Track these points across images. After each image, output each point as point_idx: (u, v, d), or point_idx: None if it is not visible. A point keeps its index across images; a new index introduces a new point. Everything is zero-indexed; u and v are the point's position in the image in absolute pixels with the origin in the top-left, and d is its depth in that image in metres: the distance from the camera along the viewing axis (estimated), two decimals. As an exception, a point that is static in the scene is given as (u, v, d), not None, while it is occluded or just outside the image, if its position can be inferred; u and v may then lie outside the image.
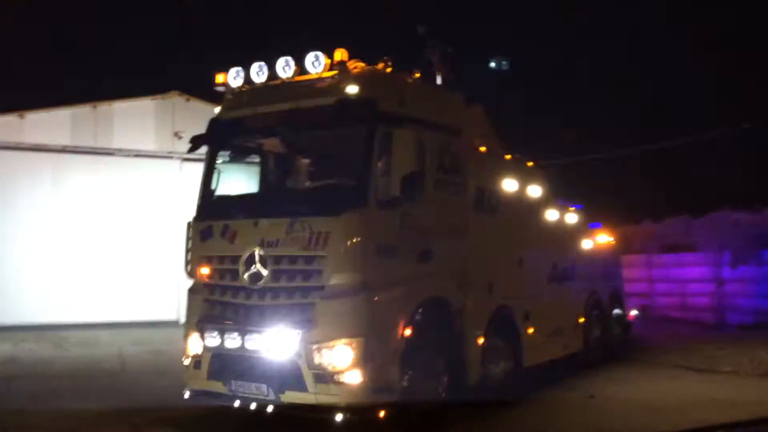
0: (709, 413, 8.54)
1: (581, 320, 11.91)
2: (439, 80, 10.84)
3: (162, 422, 8.17)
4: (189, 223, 8.08)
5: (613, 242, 14.09)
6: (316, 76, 7.53)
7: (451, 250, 8.28)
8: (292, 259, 7.18)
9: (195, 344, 7.75)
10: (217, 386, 7.60)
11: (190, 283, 8.10)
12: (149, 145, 18.66)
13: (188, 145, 8.30)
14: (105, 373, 11.48)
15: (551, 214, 10.97)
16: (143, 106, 18.99)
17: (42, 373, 11.49)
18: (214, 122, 8.23)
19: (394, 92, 7.57)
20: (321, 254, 7.04)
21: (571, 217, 11.92)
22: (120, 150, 18.39)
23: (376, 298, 7.06)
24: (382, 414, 7.01)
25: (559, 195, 12.92)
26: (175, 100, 19.05)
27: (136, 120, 18.78)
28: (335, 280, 7.03)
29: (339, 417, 6.84)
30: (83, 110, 18.40)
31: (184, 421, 8.17)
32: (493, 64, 18.34)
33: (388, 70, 7.70)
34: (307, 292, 7.13)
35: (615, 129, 27.98)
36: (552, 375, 10.78)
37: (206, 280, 7.84)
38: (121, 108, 18.65)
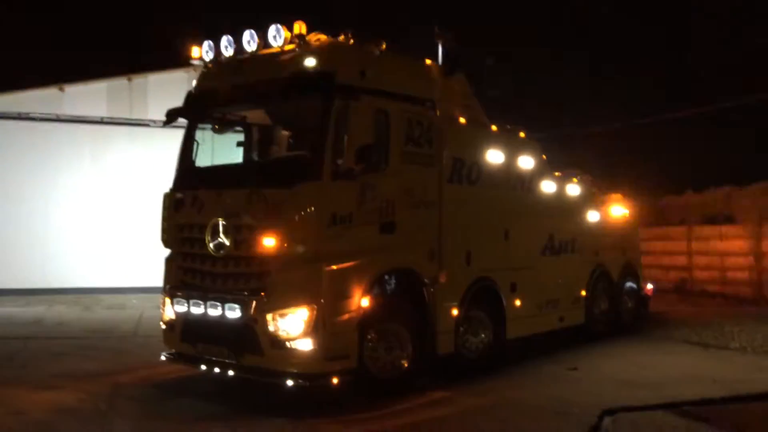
0: (683, 389, 8.41)
1: (583, 293, 11.75)
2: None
3: (144, 381, 8.62)
4: (165, 194, 8.42)
5: (629, 214, 13.73)
6: (278, 50, 7.66)
7: (421, 221, 8.35)
8: (251, 229, 7.41)
9: (168, 309, 8.14)
10: (188, 348, 8.01)
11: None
12: (183, 116, 19.17)
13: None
14: (118, 335, 12.12)
15: (547, 186, 10.81)
16: (177, 78, 19.43)
17: (61, 333, 12.23)
18: (189, 96, 8.50)
19: (354, 64, 7.60)
20: (276, 224, 7.23)
21: (574, 189, 11.70)
22: (154, 121, 18.93)
23: (328, 268, 7.21)
24: (335, 381, 7.22)
25: (566, 166, 12.76)
26: (208, 72, 19.45)
27: (170, 91, 19.20)
28: (290, 249, 7.23)
29: (290, 382, 7.08)
30: (119, 82, 19.08)
31: (167, 382, 8.60)
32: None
33: (350, 42, 7.74)
34: (264, 261, 7.36)
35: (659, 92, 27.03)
36: (543, 347, 10.79)
37: (178, 248, 8.18)
38: (156, 80, 19.21)
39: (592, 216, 12.20)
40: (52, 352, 10.36)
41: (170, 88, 19.39)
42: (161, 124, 18.78)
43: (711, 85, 26.08)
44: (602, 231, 12.47)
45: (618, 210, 13.35)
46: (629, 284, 13.35)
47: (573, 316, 11.49)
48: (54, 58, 26.16)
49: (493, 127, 9.91)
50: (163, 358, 8.34)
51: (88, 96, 18.89)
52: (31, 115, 18.39)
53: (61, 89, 18.74)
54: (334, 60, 7.49)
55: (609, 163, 21.89)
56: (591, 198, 12.31)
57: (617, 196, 14.12)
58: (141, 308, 15.05)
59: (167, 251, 8.46)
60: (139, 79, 19.18)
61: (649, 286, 14.20)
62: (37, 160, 18.14)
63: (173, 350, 8.30)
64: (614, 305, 12.71)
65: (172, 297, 8.03)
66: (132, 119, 18.84)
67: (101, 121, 18.78)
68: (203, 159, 8.57)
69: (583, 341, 11.61)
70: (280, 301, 7.16)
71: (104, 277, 18.05)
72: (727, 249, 19.72)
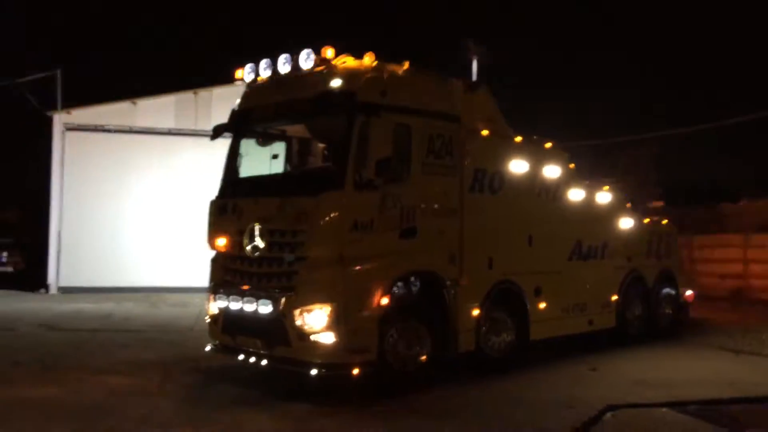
0: (695, 391, 8.73)
1: (614, 298, 12.08)
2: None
3: (194, 370, 9.57)
4: (211, 201, 9.35)
5: (666, 222, 13.94)
6: (309, 71, 8.48)
7: (442, 227, 8.98)
8: (282, 233, 8.23)
9: (212, 305, 9.06)
10: (228, 340, 8.90)
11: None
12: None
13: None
14: (177, 330, 13.22)
15: (574, 194, 11.24)
16: (239, 91, 20.68)
17: (126, 327, 13.44)
18: (233, 113, 9.43)
19: (375, 84, 8.31)
20: (303, 229, 8.03)
21: (604, 196, 12.06)
22: (218, 132, 20.23)
23: (350, 269, 7.95)
24: (355, 372, 7.94)
25: (599, 174, 13.14)
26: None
27: (232, 103, 20.50)
28: (315, 252, 8.02)
29: (314, 371, 7.85)
30: (186, 96, 20.49)
31: (212, 370, 9.53)
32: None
33: (374, 63, 8.47)
34: (292, 262, 8.17)
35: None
36: (572, 348, 11.20)
37: (221, 250, 9.09)
38: (219, 93, 20.49)
39: (625, 223, 12.51)
40: (116, 343, 11.50)
41: (232, 100, 20.69)
42: (228, 135, 20.29)
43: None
44: (635, 237, 12.75)
45: (653, 216, 13.60)
46: (666, 290, 13.53)
47: (603, 320, 11.83)
48: (128, 75, 28.04)
49: (518, 139, 10.43)
50: (207, 348, 9.25)
51: (158, 109, 20.38)
52: (106, 127, 20.01)
53: (134, 103, 20.27)
54: (356, 81, 8.24)
55: (664, 170, 21.93)
56: (622, 205, 12.62)
57: (658, 203, 14.38)
58: (201, 306, 16.13)
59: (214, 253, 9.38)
60: (204, 93, 20.53)
61: (689, 293, 14.33)
62: (111, 168, 19.69)
63: (216, 342, 9.20)
64: (649, 310, 12.94)
65: (215, 294, 8.94)
66: (197, 130, 20.15)
67: (169, 132, 20.22)
68: (244, 170, 9.45)
69: (614, 345, 11.93)
70: (307, 299, 7.94)
71: (170, 277, 19.40)
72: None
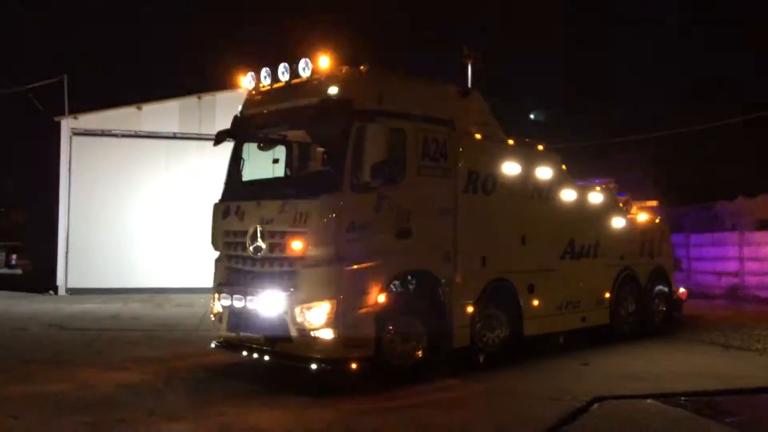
0: (681, 383, 9.08)
1: (607, 295, 12.41)
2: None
3: (197, 366, 9.93)
4: (215, 204, 9.73)
5: (659, 221, 14.27)
6: (307, 79, 8.85)
7: (437, 227, 9.34)
8: (283, 234, 8.60)
9: (217, 303, 9.44)
10: (232, 337, 9.27)
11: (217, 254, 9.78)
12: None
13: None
14: (183, 329, 13.61)
15: (566, 194, 11.58)
16: (241, 96, 21.07)
17: (133, 326, 13.83)
18: (235, 119, 9.82)
19: (371, 91, 8.70)
20: (303, 230, 8.41)
21: (596, 197, 12.40)
22: (222, 135, 20.65)
23: (347, 268, 8.32)
24: (353, 366, 8.31)
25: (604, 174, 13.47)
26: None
27: (235, 108, 20.87)
28: (315, 252, 8.39)
29: (314, 366, 8.23)
30: (190, 101, 20.90)
31: (217, 366, 9.90)
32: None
33: (370, 71, 8.84)
34: (293, 262, 8.54)
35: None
36: (567, 344, 11.52)
37: (225, 251, 9.47)
38: (222, 98, 20.87)
39: (617, 222, 12.84)
40: (124, 341, 11.89)
41: (235, 104, 21.08)
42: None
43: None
44: (628, 236, 13.08)
45: (646, 216, 13.92)
46: (659, 287, 13.85)
47: (596, 317, 12.17)
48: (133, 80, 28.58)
49: (510, 141, 10.78)
50: (212, 345, 9.63)
51: (162, 113, 20.81)
52: (113, 131, 20.43)
53: (139, 108, 20.70)
54: (353, 88, 8.62)
55: (660, 169, 22.24)
56: (615, 205, 12.95)
57: (652, 203, 14.73)
58: (206, 306, 16.51)
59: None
60: (207, 98, 20.94)
61: (682, 290, 14.66)
62: (117, 172, 20.12)
63: (221, 339, 9.58)
64: (643, 307, 13.27)
65: (219, 293, 9.33)
66: (201, 134, 20.55)
67: (174, 136, 20.64)
68: (246, 174, 9.83)
69: (609, 340, 12.26)
70: (306, 296, 8.31)
71: (176, 278, 19.81)
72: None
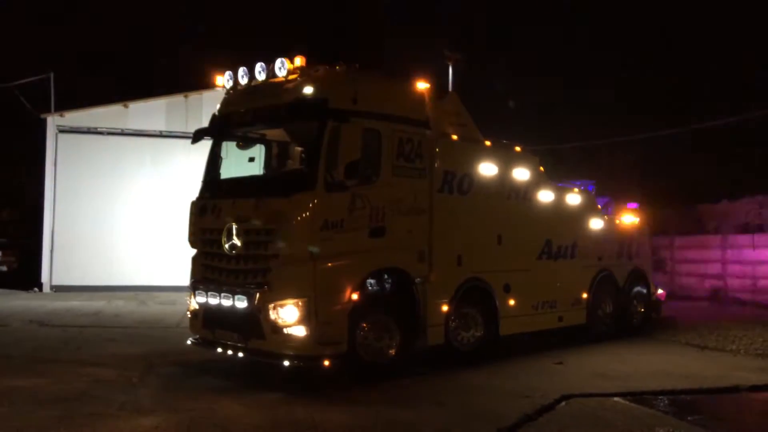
0: (649, 382, 9.22)
1: (584, 296, 12.54)
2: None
3: (175, 363, 10.01)
4: (192, 202, 9.81)
5: (638, 223, 14.41)
6: (283, 79, 8.95)
7: (411, 226, 9.44)
8: (257, 232, 8.70)
9: (193, 300, 9.53)
10: (208, 334, 9.36)
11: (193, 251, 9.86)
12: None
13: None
14: (163, 327, 13.66)
15: (543, 195, 11.71)
16: (228, 95, 21.21)
17: (115, 323, 13.89)
18: (213, 118, 9.90)
19: (346, 91, 8.78)
20: (277, 228, 8.50)
21: (574, 198, 12.53)
22: (208, 134, 20.71)
23: (320, 266, 8.41)
24: (326, 363, 8.40)
25: (569, 176, 13.60)
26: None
27: (221, 107, 21.08)
28: (288, 249, 8.48)
29: (287, 363, 8.32)
30: (176, 99, 20.94)
31: (192, 362, 9.97)
32: None
33: (346, 71, 8.94)
34: (267, 260, 8.63)
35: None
36: (544, 344, 11.67)
37: (201, 248, 9.56)
38: (209, 97, 20.84)
39: (595, 223, 12.98)
40: (104, 338, 11.95)
41: (222, 103, 21.29)
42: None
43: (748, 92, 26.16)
44: (606, 238, 13.22)
45: (625, 218, 14.07)
46: (637, 289, 13.99)
47: (573, 317, 12.30)
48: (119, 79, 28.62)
49: (487, 143, 10.90)
50: (189, 342, 9.72)
51: (149, 112, 20.85)
52: (99, 129, 20.45)
53: (126, 106, 20.74)
54: (328, 88, 8.71)
55: (643, 172, 22.42)
56: (593, 207, 13.08)
57: (632, 204, 14.87)
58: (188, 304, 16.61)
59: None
60: (194, 96, 20.96)
61: (660, 291, 14.82)
62: (104, 169, 20.14)
63: (197, 336, 9.66)
64: (620, 308, 13.40)
65: (195, 290, 9.42)
66: (188, 132, 20.46)
67: (160, 135, 20.68)
68: (224, 172, 9.92)
69: (586, 340, 12.40)
70: (279, 294, 8.40)
71: (161, 276, 19.82)
72: (759, 257, 19.96)
